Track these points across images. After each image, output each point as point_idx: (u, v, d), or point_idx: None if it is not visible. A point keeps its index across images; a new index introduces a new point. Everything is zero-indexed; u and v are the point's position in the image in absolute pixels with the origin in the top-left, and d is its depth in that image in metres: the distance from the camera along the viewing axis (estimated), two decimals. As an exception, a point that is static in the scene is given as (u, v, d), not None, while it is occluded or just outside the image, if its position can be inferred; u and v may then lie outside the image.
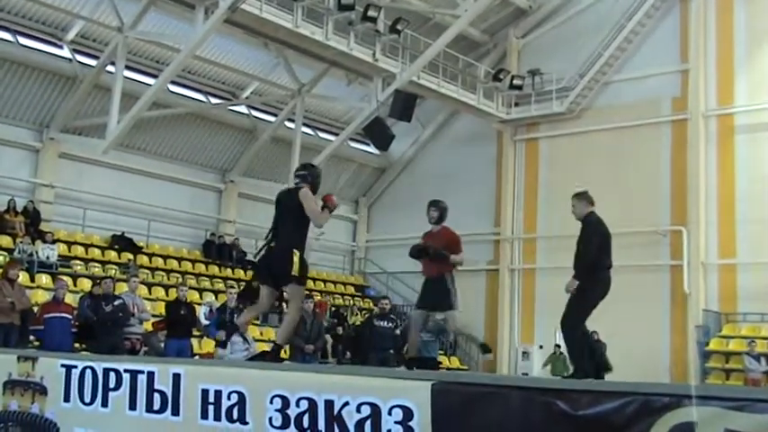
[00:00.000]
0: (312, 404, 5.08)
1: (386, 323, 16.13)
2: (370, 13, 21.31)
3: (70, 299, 15.78)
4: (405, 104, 22.13)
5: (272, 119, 26.43)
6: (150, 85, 21.16)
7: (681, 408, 3.72)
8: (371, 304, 24.57)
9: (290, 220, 7.80)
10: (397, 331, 16.39)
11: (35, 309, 13.89)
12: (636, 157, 24.23)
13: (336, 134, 26.65)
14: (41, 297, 16.06)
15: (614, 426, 3.87)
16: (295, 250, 7.63)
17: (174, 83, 23.20)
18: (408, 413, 4.59)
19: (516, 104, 26.74)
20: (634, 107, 24.46)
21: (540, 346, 25.14)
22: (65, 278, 16.70)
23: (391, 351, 16.04)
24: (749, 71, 23.10)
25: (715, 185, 23.03)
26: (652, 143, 24.24)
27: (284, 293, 8.05)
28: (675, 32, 24.40)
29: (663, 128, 24.29)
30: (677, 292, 22.98)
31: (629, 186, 24.07)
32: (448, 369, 22.19)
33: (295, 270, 7.56)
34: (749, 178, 22.49)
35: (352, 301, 25.54)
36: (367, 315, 18.97)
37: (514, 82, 25.98)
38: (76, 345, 13.97)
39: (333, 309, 22.43)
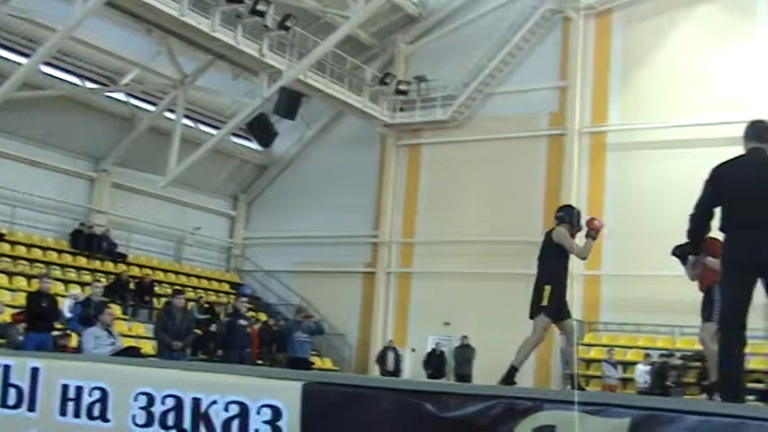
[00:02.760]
0: (178, 402, 4.97)
1: (244, 321, 16.54)
2: (260, 7, 21.10)
3: None
4: (290, 102, 22.02)
5: (151, 108, 25.73)
6: (21, 64, 20.23)
7: (542, 412, 3.84)
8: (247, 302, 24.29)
9: (546, 257, 8.69)
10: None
11: None
12: (513, 169, 24.92)
13: (218, 128, 26.20)
14: None
15: (478, 428, 3.95)
16: (547, 285, 8.47)
17: (47, 64, 22.24)
18: (277, 413, 4.56)
19: (401, 109, 27.05)
20: (514, 120, 25.13)
21: (413, 350, 25.48)
22: None
23: (248, 349, 16.65)
24: (622, 93, 24.13)
25: (585, 199, 23.88)
26: (529, 156, 24.99)
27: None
28: (557, 50, 25.25)
29: (540, 142, 25.09)
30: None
31: (505, 196, 24.75)
32: (321, 370, 22.20)
33: (545, 302, 8.41)
34: (617, 194, 23.49)
35: (226, 299, 25.17)
36: (231, 314, 18.79)
37: (400, 87, 26.27)
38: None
39: (206, 305, 22.06)
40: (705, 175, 5.73)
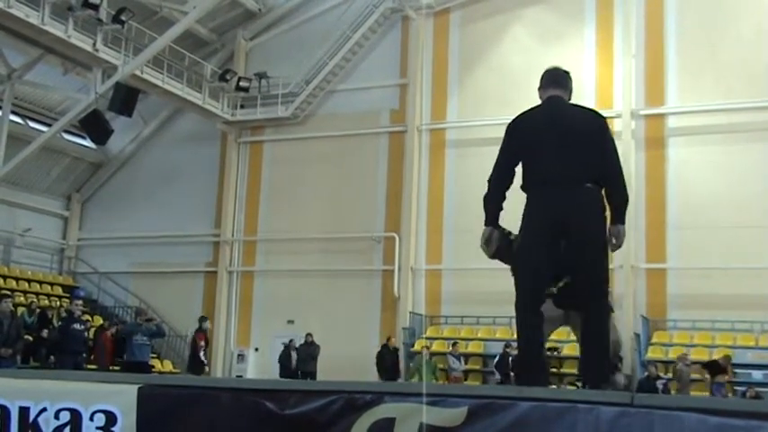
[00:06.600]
0: (5, 412, 4.72)
1: (79, 325, 15.95)
2: (92, -1, 20.32)
3: None
4: (126, 98, 21.34)
5: (-26, 103, 24.15)
6: None
7: (382, 404, 3.90)
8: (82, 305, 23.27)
9: None
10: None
11: None
12: (355, 165, 25.17)
13: (49, 125, 24.95)
14: None
15: (319, 423, 3.98)
16: None
17: None
18: (112, 418, 4.43)
19: (242, 106, 26.71)
20: (355, 117, 25.37)
21: (256, 349, 25.30)
22: None
23: (84, 354, 16.21)
24: (460, 91, 24.84)
25: (426, 195, 24.49)
26: (371, 152, 25.31)
27: None
28: (397, 48, 25.68)
29: (381, 138, 25.46)
30: (388, 296, 24.15)
31: (348, 193, 24.97)
32: (160, 373, 21.62)
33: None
34: (455, 190, 24.18)
35: (59, 303, 24.01)
36: (64, 318, 17.96)
37: (241, 83, 25.94)
38: None
39: (38, 310, 20.96)
40: None
